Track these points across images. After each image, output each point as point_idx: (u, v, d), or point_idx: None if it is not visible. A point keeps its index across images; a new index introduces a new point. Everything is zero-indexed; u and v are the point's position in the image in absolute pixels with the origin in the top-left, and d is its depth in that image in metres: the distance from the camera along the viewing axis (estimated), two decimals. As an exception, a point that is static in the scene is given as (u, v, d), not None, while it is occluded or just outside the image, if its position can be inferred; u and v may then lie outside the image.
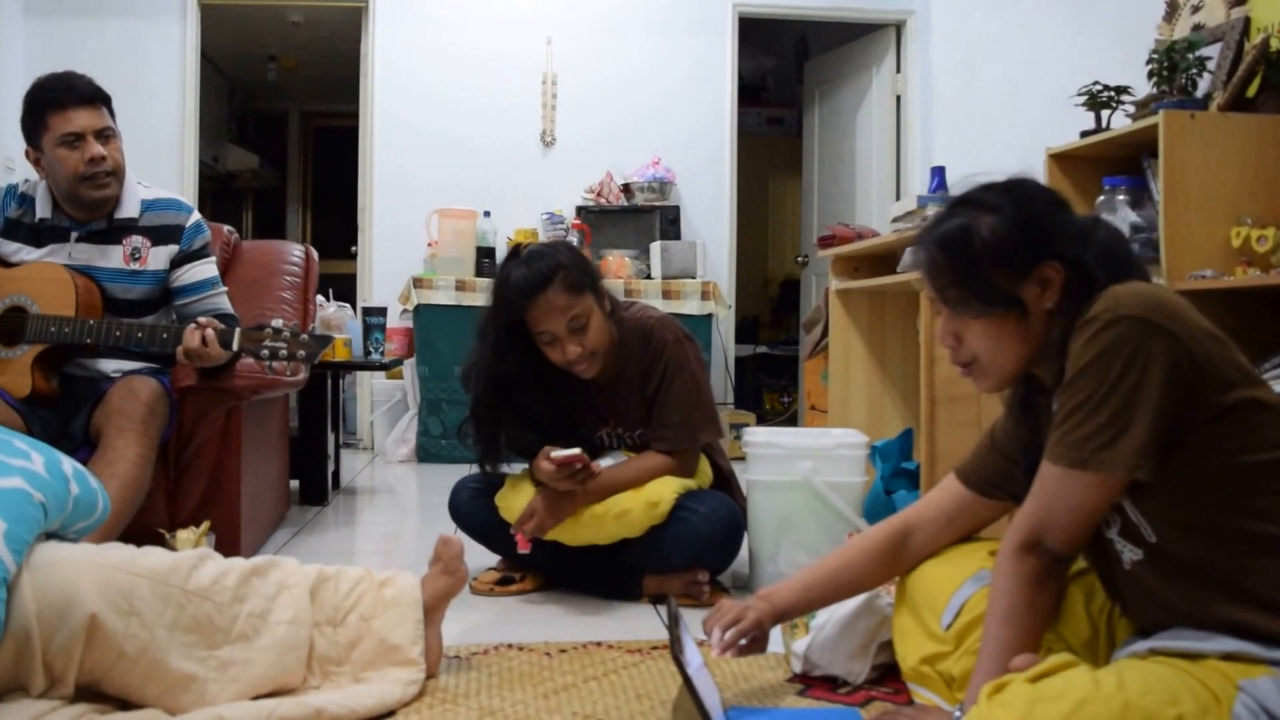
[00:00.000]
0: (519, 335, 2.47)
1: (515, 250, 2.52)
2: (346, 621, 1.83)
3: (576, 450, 2.40)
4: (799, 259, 6.85)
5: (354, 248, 6.10)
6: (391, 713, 1.74)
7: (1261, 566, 1.32)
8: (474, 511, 2.67)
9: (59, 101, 2.56)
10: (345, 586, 1.86)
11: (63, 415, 2.59)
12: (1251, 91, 2.66)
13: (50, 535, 1.70)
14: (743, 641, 1.78)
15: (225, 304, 2.80)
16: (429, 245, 5.55)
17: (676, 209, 5.72)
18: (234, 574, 1.74)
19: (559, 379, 2.54)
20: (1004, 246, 1.47)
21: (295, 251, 3.42)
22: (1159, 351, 1.32)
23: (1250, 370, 1.38)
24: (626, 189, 5.81)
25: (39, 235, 2.66)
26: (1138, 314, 1.33)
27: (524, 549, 2.51)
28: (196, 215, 2.80)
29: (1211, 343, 1.35)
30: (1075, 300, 1.43)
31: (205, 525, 2.45)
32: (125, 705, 1.63)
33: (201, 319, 2.52)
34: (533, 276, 2.40)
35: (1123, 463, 1.33)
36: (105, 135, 2.60)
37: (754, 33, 6.64)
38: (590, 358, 2.47)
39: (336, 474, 4.32)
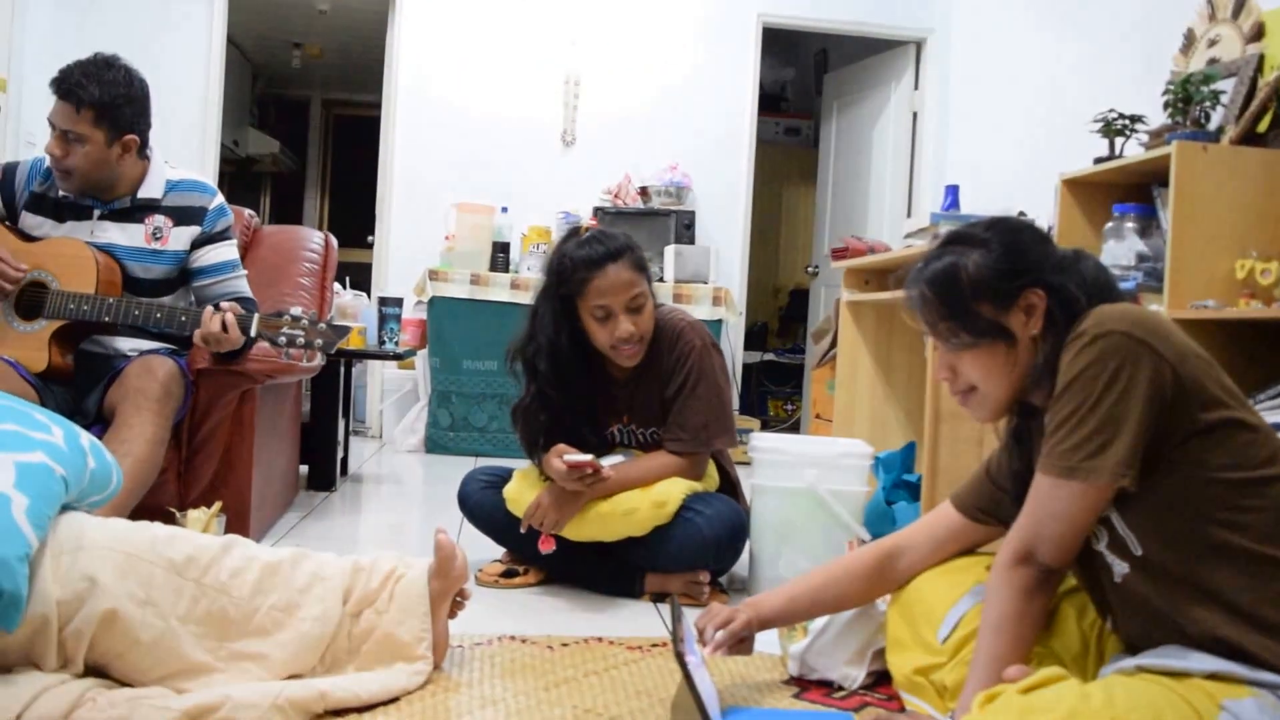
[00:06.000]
0: (569, 314, 2.51)
1: (575, 230, 2.57)
2: (363, 615, 1.82)
3: (589, 456, 2.44)
4: (809, 269, 6.88)
5: (370, 237, 6.14)
6: (394, 699, 1.75)
7: (1242, 581, 1.37)
8: (482, 504, 2.70)
9: (53, 86, 2.58)
10: (377, 580, 1.85)
11: (77, 392, 2.62)
12: (1262, 127, 2.70)
13: (64, 506, 1.71)
14: (730, 642, 1.83)
15: (244, 287, 2.81)
16: (446, 238, 5.58)
17: (692, 214, 5.75)
18: (257, 567, 1.74)
19: (587, 368, 2.58)
20: (989, 278, 1.55)
21: (315, 239, 3.44)
22: (1144, 365, 1.37)
23: (1234, 391, 1.43)
24: (643, 192, 5.84)
25: (61, 211, 2.67)
26: (1123, 329, 1.39)
27: (546, 548, 2.53)
28: (220, 198, 2.81)
29: (1196, 361, 1.41)
30: (1060, 325, 1.50)
31: (217, 506, 2.45)
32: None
33: (223, 304, 2.53)
34: (602, 249, 2.46)
35: (1108, 472, 1.38)
36: (70, 137, 2.56)
37: (775, 43, 6.67)
38: (639, 342, 2.50)
39: (345, 461, 4.35)
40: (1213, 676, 1.33)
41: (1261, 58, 2.85)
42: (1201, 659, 1.36)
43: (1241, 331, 2.37)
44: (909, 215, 5.83)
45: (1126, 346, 1.38)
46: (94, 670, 1.62)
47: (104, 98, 2.55)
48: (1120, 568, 1.46)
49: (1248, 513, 1.37)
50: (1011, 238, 1.58)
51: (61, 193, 2.67)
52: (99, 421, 2.55)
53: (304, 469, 3.97)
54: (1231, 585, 1.37)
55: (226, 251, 2.79)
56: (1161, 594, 1.42)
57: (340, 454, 4.18)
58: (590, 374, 2.60)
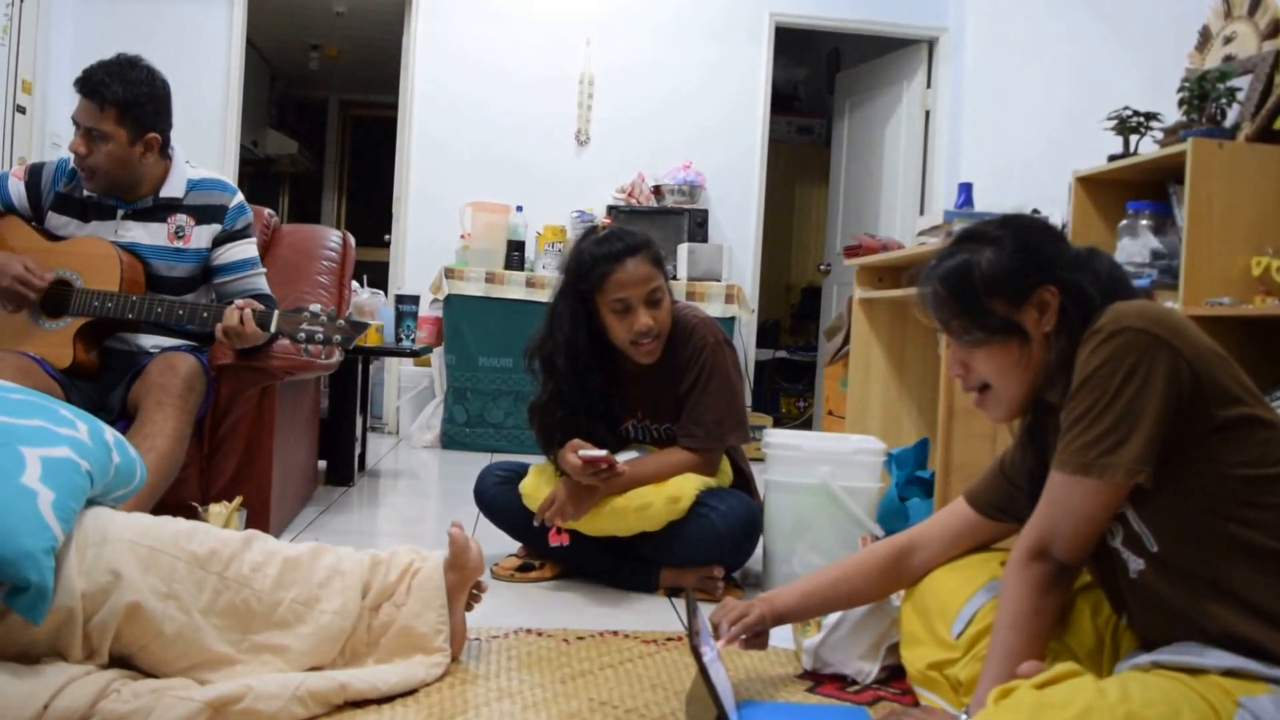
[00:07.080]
0: (587, 310, 2.54)
1: (592, 229, 2.61)
2: (382, 608, 1.84)
3: (604, 452, 2.46)
4: (821, 267, 6.88)
5: (387, 236, 6.18)
6: (413, 691, 1.77)
7: (1259, 578, 1.36)
8: (498, 499, 2.73)
9: (77, 84, 2.61)
10: (394, 574, 1.87)
11: (101, 387, 2.65)
12: (1279, 124, 2.69)
13: (89, 501, 1.73)
14: (744, 636, 1.85)
15: (263, 285, 2.84)
16: (461, 237, 5.62)
17: (705, 212, 5.78)
18: (277, 561, 1.76)
19: (603, 364, 2.60)
20: (1001, 276, 1.54)
21: (333, 237, 3.47)
22: (1161, 361, 1.37)
23: (1252, 388, 1.42)
24: (657, 190, 5.86)
25: (86, 211, 2.71)
26: (1141, 326, 1.39)
27: (557, 542, 2.55)
28: (240, 196, 2.85)
29: (1213, 358, 1.40)
30: (1073, 322, 1.49)
31: (238, 501, 2.48)
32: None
33: (240, 300, 2.56)
34: (620, 245, 2.50)
35: (1124, 469, 1.38)
36: (93, 134, 2.59)
37: (788, 42, 6.67)
38: (656, 338, 2.53)
39: (363, 456, 4.39)
40: (1229, 673, 1.33)
41: (1278, 54, 2.83)
42: (1218, 656, 1.35)
43: (1257, 328, 2.37)
44: (922, 213, 5.83)
45: (1143, 342, 1.37)
46: (119, 661, 1.65)
47: (127, 96, 2.59)
48: (1136, 564, 1.46)
49: (1264, 509, 1.37)
50: (1024, 235, 1.58)
51: (86, 193, 2.71)
52: (123, 417, 2.59)
53: (322, 464, 4.00)
54: (1248, 582, 1.36)
55: (246, 249, 2.83)
56: (1177, 590, 1.42)
57: (358, 450, 4.22)
58: (606, 371, 2.62)
